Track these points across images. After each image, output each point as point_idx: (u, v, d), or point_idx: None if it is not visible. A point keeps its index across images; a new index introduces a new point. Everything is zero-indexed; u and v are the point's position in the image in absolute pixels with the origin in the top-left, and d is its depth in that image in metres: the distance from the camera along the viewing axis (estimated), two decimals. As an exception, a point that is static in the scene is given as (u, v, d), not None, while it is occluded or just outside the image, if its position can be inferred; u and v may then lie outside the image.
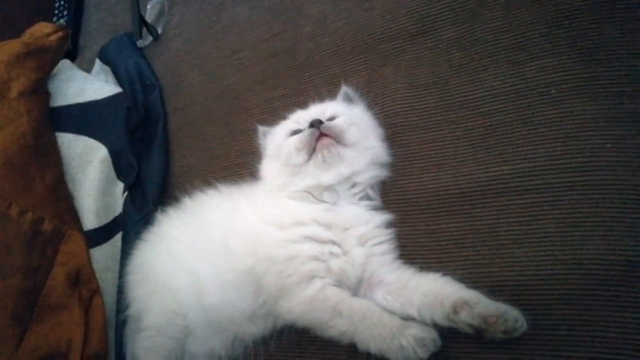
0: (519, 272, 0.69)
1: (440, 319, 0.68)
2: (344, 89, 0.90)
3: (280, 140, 0.85)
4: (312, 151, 0.79)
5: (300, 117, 0.87)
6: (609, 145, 0.69)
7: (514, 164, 0.73)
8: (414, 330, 0.68)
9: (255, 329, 0.83)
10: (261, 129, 0.93)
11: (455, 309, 0.66)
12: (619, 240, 0.65)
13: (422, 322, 0.69)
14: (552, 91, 0.74)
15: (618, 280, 0.64)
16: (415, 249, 0.77)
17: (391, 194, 0.83)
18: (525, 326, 0.64)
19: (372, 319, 0.70)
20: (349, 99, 0.90)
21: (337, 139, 0.78)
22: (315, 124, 0.79)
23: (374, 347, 0.69)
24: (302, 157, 0.79)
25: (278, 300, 0.76)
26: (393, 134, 0.86)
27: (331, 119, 0.82)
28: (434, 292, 0.70)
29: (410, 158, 0.83)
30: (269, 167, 0.88)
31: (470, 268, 0.73)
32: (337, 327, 0.72)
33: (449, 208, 0.77)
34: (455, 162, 0.78)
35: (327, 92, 0.96)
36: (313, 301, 0.73)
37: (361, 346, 0.70)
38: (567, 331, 0.64)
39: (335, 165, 0.78)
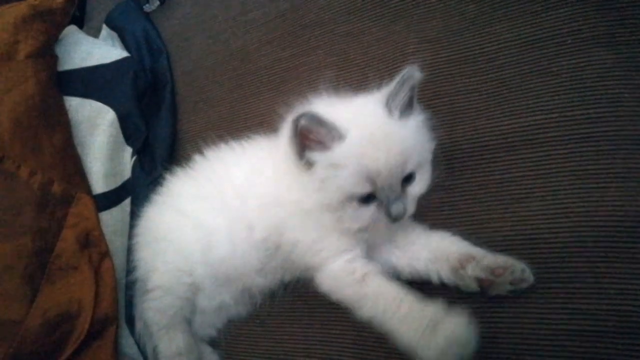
0: (531, 225, 0.68)
1: (447, 275, 0.68)
2: (410, 73, 0.66)
3: (338, 194, 0.68)
4: None
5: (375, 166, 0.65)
6: (626, 95, 0.67)
7: (528, 117, 0.72)
8: (448, 327, 0.60)
9: (263, 281, 0.83)
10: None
11: (461, 263, 0.67)
12: (635, 192, 0.63)
13: (429, 278, 0.69)
14: (569, 41, 0.71)
15: (633, 232, 0.62)
16: (427, 204, 0.76)
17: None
18: (532, 278, 0.64)
19: (400, 310, 0.64)
20: (402, 86, 0.67)
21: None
22: (398, 218, 0.67)
23: (401, 344, 0.63)
24: (359, 229, 0.70)
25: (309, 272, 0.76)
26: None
27: (408, 177, 0.69)
28: (442, 248, 0.70)
29: (422, 113, 0.81)
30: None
31: (482, 222, 0.71)
32: (364, 311, 0.67)
33: (461, 163, 0.76)
34: (468, 117, 0.77)
35: (339, 52, 0.95)
36: (341, 273, 0.71)
37: (393, 340, 0.64)
38: (580, 283, 0.63)
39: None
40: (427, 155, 0.70)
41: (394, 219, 0.67)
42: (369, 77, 0.86)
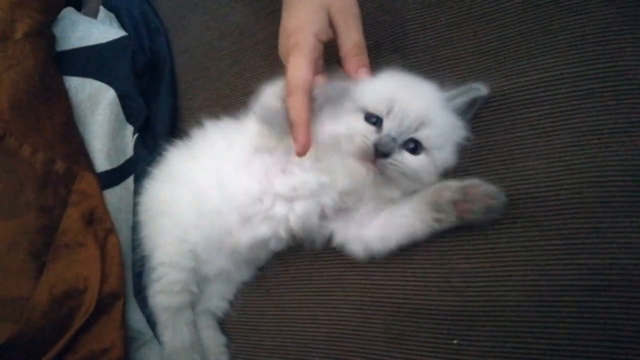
0: (533, 184, 0.68)
1: (427, 215, 0.70)
2: (477, 90, 0.72)
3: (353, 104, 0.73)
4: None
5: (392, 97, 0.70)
6: (629, 50, 0.66)
7: (530, 75, 0.71)
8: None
9: (252, 236, 0.83)
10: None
11: (437, 193, 0.69)
12: (638, 145, 0.63)
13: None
14: (569, -3, 0.71)
15: (636, 187, 0.62)
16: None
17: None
18: (504, 197, 0.66)
19: None
20: (464, 94, 0.73)
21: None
22: (381, 150, 0.67)
23: None
24: (344, 136, 0.70)
25: None
26: (402, 57, 0.83)
27: (415, 147, 0.69)
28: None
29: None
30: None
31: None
32: None
33: (462, 125, 0.75)
34: (468, 79, 0.76)
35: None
36: None
37: None
38: (583, 239, 0.63)
39: None
40: (447, 151, 0.72)
41: (377, 148, 0.66)
42: (368, 45, 0.85)
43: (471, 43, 0.77)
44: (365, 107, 0.70)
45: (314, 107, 0.71)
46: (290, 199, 0.77)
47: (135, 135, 1.10)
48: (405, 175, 0.68)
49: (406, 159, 0.68)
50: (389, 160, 0.67)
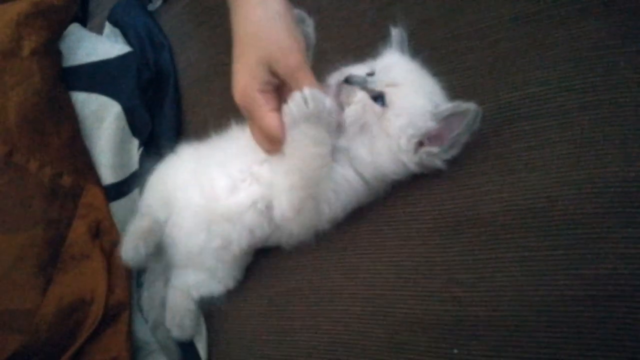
0: (530, 196, 0.69)
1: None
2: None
3: None
4: None
5: None
6: (622, 64, 0.67)
7: (525, 90, 0.73)
8: None
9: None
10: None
11: None
12: (634, 158, 0.64)
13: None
14: (562, 13, 0.72)
15: (632, 197, 0.63)
16: (426, 175, 0.78)
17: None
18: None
19: None
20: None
21: None
22: (349, 78, 0.77)
23: None
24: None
25: None
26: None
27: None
28: None
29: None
30: None
31: (480, 195, 0.72)
32: None
33: (460, 138, 0.77)
34: (463, 94, 0.77)
35: (336, 37, 0.96)
36: None
37: None
38: (581, 249, 0.64)
39: None
40: (403, 123, 0.74)
41: (347, 78, 0.76)
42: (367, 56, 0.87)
43: (467, 58, 0.79)
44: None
45: None
46: None
47: (141, 149, 1.12)
48: (356, 111, 0.75)
49: (364, 94, 0.75)
50: (350, 86, 0.75)
